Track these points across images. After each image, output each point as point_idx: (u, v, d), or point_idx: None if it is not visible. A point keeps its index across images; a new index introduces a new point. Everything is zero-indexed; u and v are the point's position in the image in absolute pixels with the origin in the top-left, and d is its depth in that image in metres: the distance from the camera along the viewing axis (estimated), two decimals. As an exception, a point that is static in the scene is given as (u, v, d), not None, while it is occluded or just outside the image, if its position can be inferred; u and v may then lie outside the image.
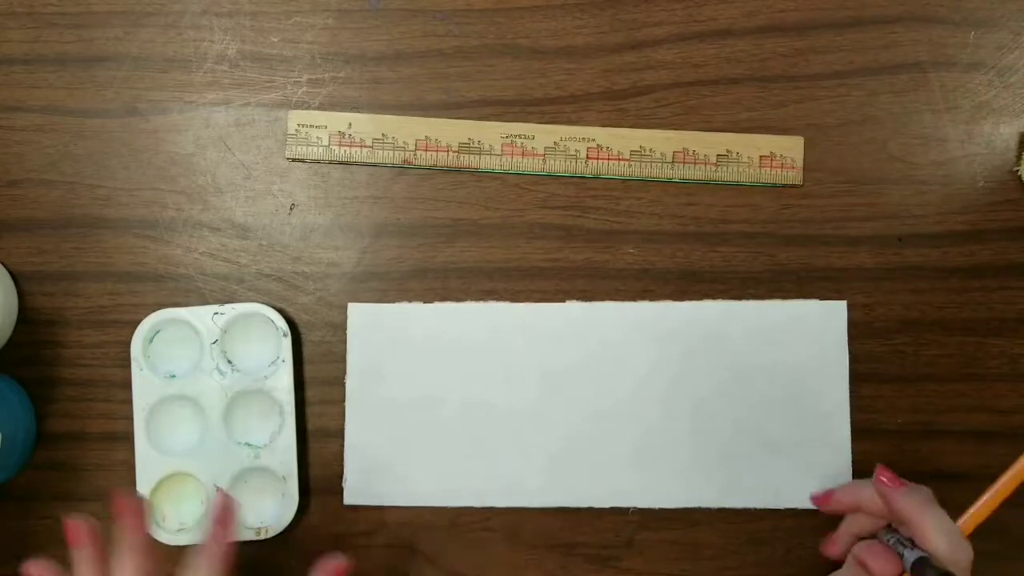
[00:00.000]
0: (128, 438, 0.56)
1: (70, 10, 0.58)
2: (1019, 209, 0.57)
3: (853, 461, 0.56)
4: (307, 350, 0.57)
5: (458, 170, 0.57)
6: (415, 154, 0.57)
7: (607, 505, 0.56)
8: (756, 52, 0.57)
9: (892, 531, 0.50)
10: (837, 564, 0.53)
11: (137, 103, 0.58)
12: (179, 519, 0.56)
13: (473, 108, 0.57)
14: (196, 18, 0.58)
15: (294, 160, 0.57)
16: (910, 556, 0.48)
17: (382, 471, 0.56)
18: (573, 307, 0.57)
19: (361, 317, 0.57)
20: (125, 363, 0.56)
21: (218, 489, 0.54)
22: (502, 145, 0.57)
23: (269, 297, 0.57)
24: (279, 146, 0.58)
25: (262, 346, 0.56)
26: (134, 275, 0.57)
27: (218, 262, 0.57)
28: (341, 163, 0.57)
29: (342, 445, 0.56)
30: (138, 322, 0.56)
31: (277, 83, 0.58)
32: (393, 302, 0.57)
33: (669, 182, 0.57)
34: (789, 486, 0.55)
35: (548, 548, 0.57)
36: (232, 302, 0.57)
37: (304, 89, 0.57)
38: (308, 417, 0.57)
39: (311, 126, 0.57)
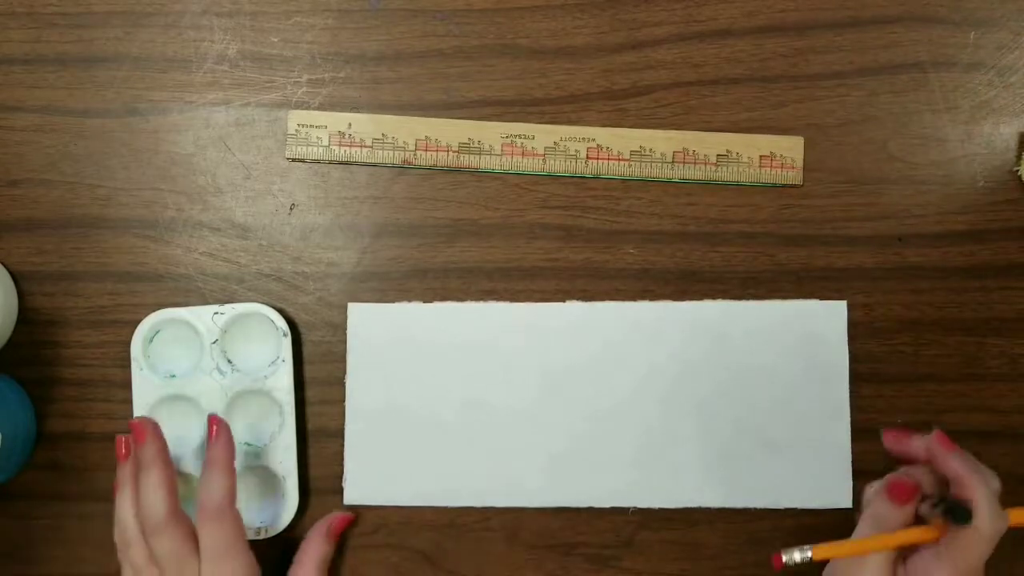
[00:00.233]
0: (128, 438, 0.56)
1: (70, 10, 0.58)
2: (1019, 209, 0.57)
3: (853, 461, 0.56)
4: (307, 350, 0.57)
5: (458, 170, 0.57)
6: (415, 154, 0.57)
7: (607, 505, 0.56)
8: (756, 52, 0.57)
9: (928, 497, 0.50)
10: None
11: (137, 103, 0.58)
12: None
13: (473, 108, 0.57)
14: (196, 18, 0.58)
15: (294, 160, 0.57)
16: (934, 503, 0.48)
17: (382, 471, 0.56)
18: (573, 307, 0.57)
19: (361, 317, 0.57)
20: (125, 363, 0.56)
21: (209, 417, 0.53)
22: (502, 145, 0.57)
23: (269, 297, 0.57)
24: (279, 146, 0.58)
25: (262, 346, 0.56)
26: (134, 275, 0.57)
27: (218, 262, 0.57)
28: (341, 163, 0.57)
29: (342, 445, 0.56)
30: (138, 322, 0.56)
31: (277, 83, 0.58)
32: (393, 302, 0.57)
33: (669, 182, 0.57)
34: (789, 486, 0.55)
35: (548, 548, 0.57)
36: (232, 302, 0.57)
37: (304, 89, 0.57)
38: (308, 417, 0.57)
39: (311, 126, 0.57)
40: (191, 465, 0.55)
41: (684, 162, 0.57)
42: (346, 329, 0.57)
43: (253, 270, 0.57)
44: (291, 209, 0.58)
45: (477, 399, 0.56)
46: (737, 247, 0.57)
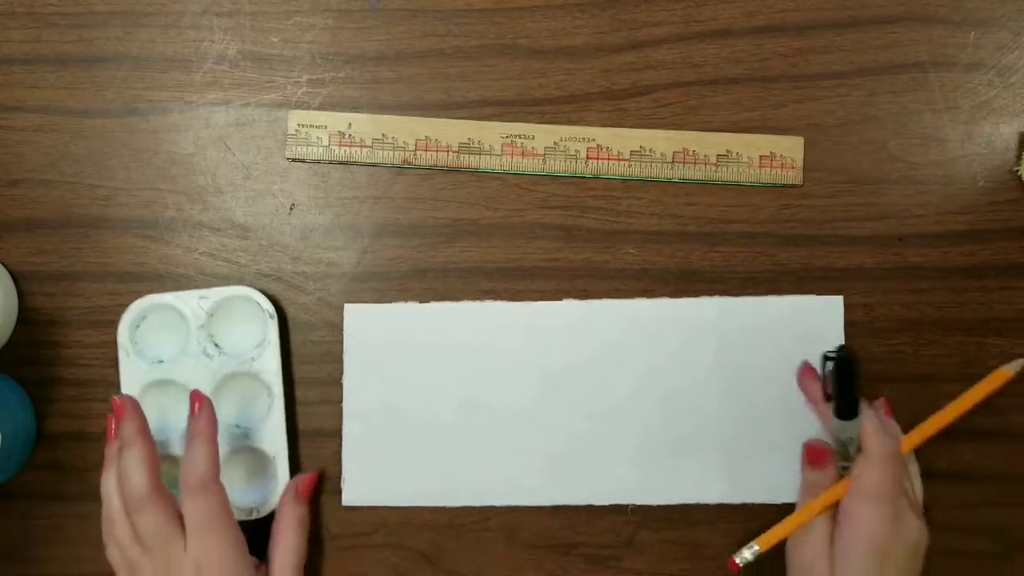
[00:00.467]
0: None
1: (70, 10, 0.58)
2: (1019, 209, 0.57)
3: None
4: (307, 350, 0.57)
5: (458, 170, 0.57)
6: (415, 154, 0.57)
7: (606, 503, 0.56)
8: (756, 52, 0.57)
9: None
10: None
11: (137, 103, 0.58)
12: None
13: (473, 108, 0.57)
14: (196, 18, 0.58)
15: (294, 160, 0.57)
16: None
17: (381, 471, 0.56)
18: (570, 305, 0.57)
19: (358, 317, 0.57)
20: (125, 363, 0.56)
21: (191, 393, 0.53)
22: (502, 145, 0.57)
23: (269, 298, 0.57)
24: (279, 146, 0.58)
25: (248, 328, 0.56)
26: (134, 275, 0.57)
27: (218, 262, 0.57)
28: (341, 163, 0.57)
29: (340, 445, 0.56)
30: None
31: (277, 83, 0.58)
32: (392, 302, 0.57)
33: (669, 182, 0.57)
34: (788, 481, 0.55)
35: (547, 548, 0.57)
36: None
37: (304, 89, 0.57)
38: (308, 417, 0.57)
39: (311, 126, 0.57)
40: (179, 448, 0.55)
41: (684, 162, 0.57)
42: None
43: (253, 270, 0.57)
44: (291, 209, 0.58)
45: (475, 398, 0.56)
46: (737, 247, 0.57)
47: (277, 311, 0.56)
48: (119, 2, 0.58)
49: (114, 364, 0.57)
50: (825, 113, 0.57)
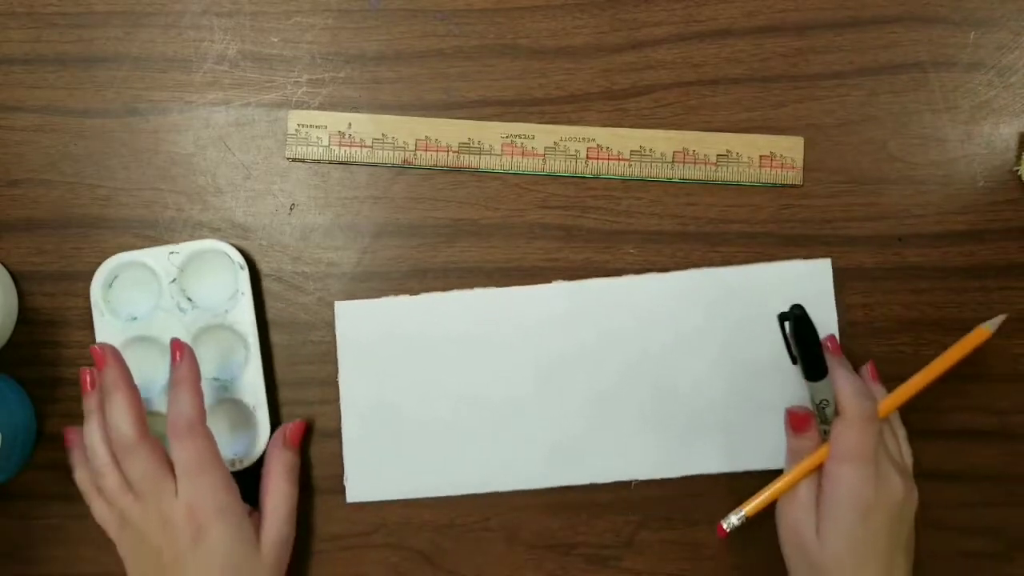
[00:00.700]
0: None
1: (70, 10, 0.58)
2: (1019, 209, 0.57)
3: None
4: (307, 350, 0.57)
5: (458, 170, 0.57)
6: (415, 154, 0.57)
7: (608, 480, 0.56)
8: (756, 52, 0.57)
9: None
10: None
11: (137, 103, 0.58)
12: None
13: (473, 108, 0.57)
14: (196, 18, 0.58)
15: (294, 160, 0.57)
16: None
17: (383, 467, 0.56)
18: (560, 287, 0.57)
19: (349, 315, 0.57)
20: (125, 363, 0.56)
21: (172, 341, 0.53)
22: (502, 145, 0.57)
23: (269, 297, 0.57)
24: (279, 146, 0.58)
25: (220, 281, 0.56)
26: (134, 275, 0.57)
27: (218, 262, 0.57)
28: (341, 163, 0.57)
29: (341, 444, 0.56)
30: (138, 322, 0.56)
31: (277, 83, 0.58)
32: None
33: (669, 182, 0.57)
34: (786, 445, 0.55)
35: (547, 548, 0.57)
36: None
37: (304, 89, 0.57)
38: (308, 417, 0.57)
39: (311, 126, 0.57)
40: (159, 404, 0.56)
41: (684, 162, 0.57)
42: (346, 329, 0.57)
43: (253, 270, 0.57)
44: (291, 209, 0.58)
45: (471, 386, 0.56)
46: (737, 247, 0.57)
47: (248, 265, 0.56)
48: (119, 2, 0.58)
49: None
50: (825, 113, 0.57)
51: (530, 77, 0.57)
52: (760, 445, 0.56)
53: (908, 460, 0.53)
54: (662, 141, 0.57)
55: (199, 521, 0.49)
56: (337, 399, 0.57)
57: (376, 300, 0.57)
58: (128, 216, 0.57)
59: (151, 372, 0.56)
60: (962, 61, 0.57)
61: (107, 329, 0.56)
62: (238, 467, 0.56)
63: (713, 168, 0.57)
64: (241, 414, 0.56)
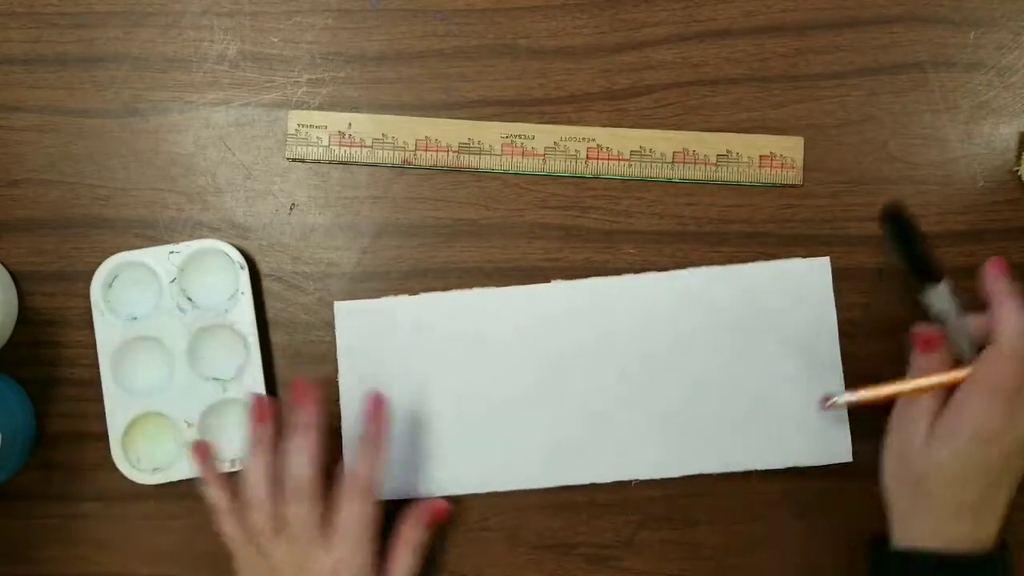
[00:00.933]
0: (128, 438, 0.56)
1: (70, 10, 0.58)
2: (1019, 209, 0.57)
3: (853, 453, 0.55)
4: (307, 350, 0.57)
5: (458, 170, 0.57)
6: (415, 154, 0.57)
7: (608, 480, 0.56)
8: (756, 52, 0.57)
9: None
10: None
11: (137, 103, 0.58)
12: (152, 459, 0.56)
13: (473, 108, 0.57)
14: (196, 18, 0.58)
15: (294, 160, 0.57)
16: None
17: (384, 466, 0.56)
18: (560, 287, 0.57)
19: (349, 315, 0.57)
20: (125, 363, 0.56)
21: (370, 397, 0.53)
22: (502, 145, 0.57)
23: (269, 297, 0.57)
24: (279, 146, 0.58)
25: (220, 281, 0.56)
26: (134, 275, 0.57)
27: (218, 262, 0.57)
28: (341, 163, 0.57)
29: (341, 444, 0.56)
30: (138, 322, 0.56)
31: (277, 83, 0.58)
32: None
33: (669, 182, 0.57)
34: (789, 445, 0.55)
35: (547, 548, 0.57)
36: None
37: (304, 89, 0.57)
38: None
39: (311, 126, 0.57)
40: (158, 404, 0.56)
41: (684, 162, 0.57)
42: (346, 329, 0.57)
43: (253, 270, 0.57)
44: (291, 209, 0.58)
45: (470, 386, 0.56)
46: (737, 247, 0.57)
47: (248, 264, 0.56)
48: (119, 2, 0.58)
49: (114, 364, 0.57)
50: (825, 113, 0.57)
51: (530, 77, 0.57)
52: (760, 445, 0.56)
53: None
54: (662, 141, 0.57)
55: None
56: (337, 399, 0.57)
57: (376, 300, 0.57)
58: (128, 216, 0.57)
59: (151, 372, 0.56)
60: (962, 61, 0.57)
61: (107, 329, 0.56)
62: (238, 467, 0.56)
63: (713, 168, 0.57)
64: (241, 414, 0.56)
